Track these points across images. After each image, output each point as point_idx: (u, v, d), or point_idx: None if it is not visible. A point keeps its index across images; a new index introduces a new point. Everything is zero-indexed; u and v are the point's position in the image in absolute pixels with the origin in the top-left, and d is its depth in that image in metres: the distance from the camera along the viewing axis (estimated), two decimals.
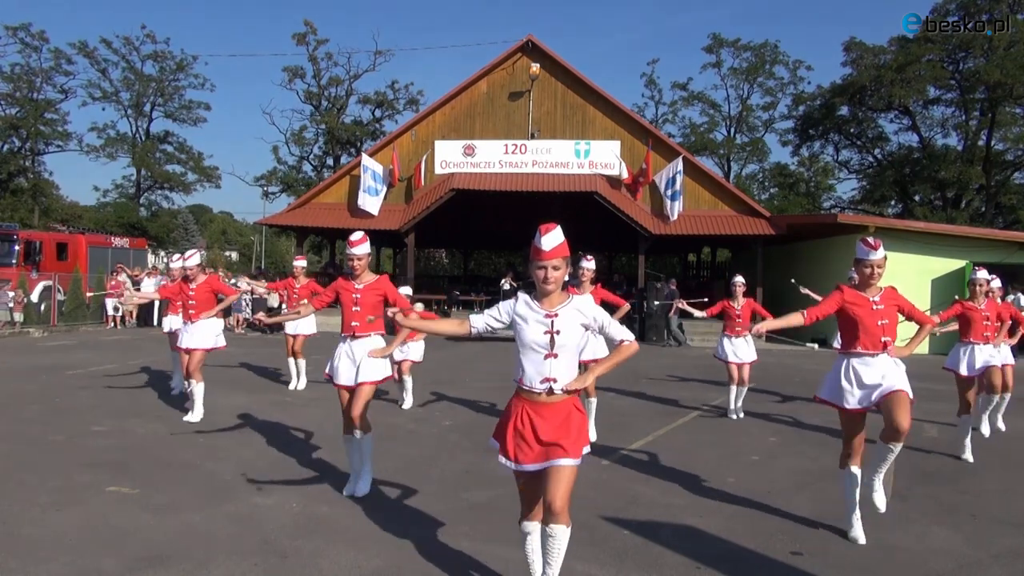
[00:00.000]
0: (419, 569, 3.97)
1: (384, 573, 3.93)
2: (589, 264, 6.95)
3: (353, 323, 5.18)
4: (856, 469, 4.48)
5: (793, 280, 10.37)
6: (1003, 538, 4.62)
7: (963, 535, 4.65)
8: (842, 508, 4.62)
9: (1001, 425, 7.96)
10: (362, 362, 5.11)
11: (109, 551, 4.09)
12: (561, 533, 3.22)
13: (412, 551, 4.19)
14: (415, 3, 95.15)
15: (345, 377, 5.15)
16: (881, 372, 4.35)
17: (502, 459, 3.33)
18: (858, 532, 4.45)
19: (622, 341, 3.34)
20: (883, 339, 4.39)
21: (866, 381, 4.36)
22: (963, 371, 7.01)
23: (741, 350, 8.55)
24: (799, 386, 10.99)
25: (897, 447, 4.29)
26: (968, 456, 6.67)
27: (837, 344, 9.13)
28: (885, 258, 4.46)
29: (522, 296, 3.36)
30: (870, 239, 4.54)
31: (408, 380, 8.72)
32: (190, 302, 7.67)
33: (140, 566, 3.90)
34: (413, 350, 8.86)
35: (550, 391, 3.24)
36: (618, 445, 6.91)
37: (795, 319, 4.46)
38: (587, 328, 3.31)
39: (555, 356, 3.23)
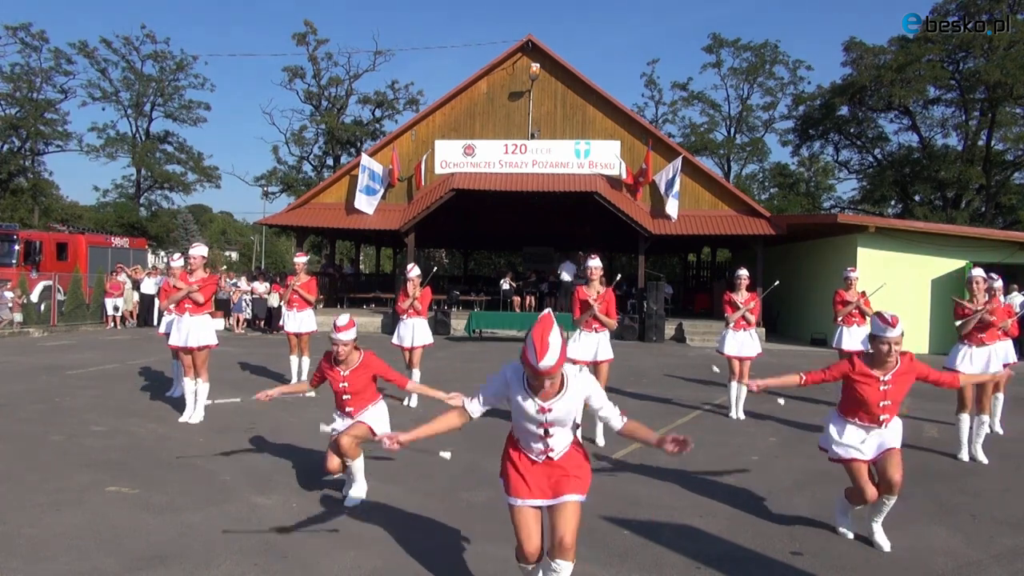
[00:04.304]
0: (419, 569, 3.97)
1: (384, 573, 3.93)
2: (596, 263, 6.94)
3: (347, 408, 5.02)
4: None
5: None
6: (1003, 538, 4.62)
7: (963, 535, 4.66)
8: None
9: (999, 429, 7.88)
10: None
11: (109, 551, 4.09)
12: (566, 570, 3.17)
13: (412, 551, 4.19)
14: (415, 3, 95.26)
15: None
16: (878, 439, 4.34)
17: (509, 498, 3.23)
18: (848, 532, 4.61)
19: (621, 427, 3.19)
20: (881, 417, 4.31)
21: (865, 443, 4.35)
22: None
23: (745, 345, 8.56)
24: (799, 386, 10.96)
25: (892, 499, 4.35)
26: (964, 456, 6.67)
27: (836, 344, 9.04)
28: (903, 334, 4.17)
29: (514, 377, 3.13)
30: (887, 315, 4.19)
31: (416, 373, 8.73)
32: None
33: (140, 566, 3.91)
34: (420, 334, 8.80)
35: (547, 458, 3.20)
36: (618, 445, 6.91)
37: (792, 380, 4.59)
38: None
39: (550, 436, 3.16)
